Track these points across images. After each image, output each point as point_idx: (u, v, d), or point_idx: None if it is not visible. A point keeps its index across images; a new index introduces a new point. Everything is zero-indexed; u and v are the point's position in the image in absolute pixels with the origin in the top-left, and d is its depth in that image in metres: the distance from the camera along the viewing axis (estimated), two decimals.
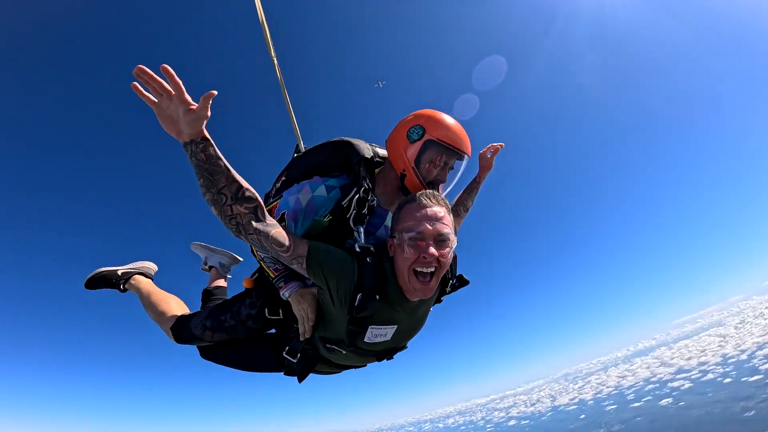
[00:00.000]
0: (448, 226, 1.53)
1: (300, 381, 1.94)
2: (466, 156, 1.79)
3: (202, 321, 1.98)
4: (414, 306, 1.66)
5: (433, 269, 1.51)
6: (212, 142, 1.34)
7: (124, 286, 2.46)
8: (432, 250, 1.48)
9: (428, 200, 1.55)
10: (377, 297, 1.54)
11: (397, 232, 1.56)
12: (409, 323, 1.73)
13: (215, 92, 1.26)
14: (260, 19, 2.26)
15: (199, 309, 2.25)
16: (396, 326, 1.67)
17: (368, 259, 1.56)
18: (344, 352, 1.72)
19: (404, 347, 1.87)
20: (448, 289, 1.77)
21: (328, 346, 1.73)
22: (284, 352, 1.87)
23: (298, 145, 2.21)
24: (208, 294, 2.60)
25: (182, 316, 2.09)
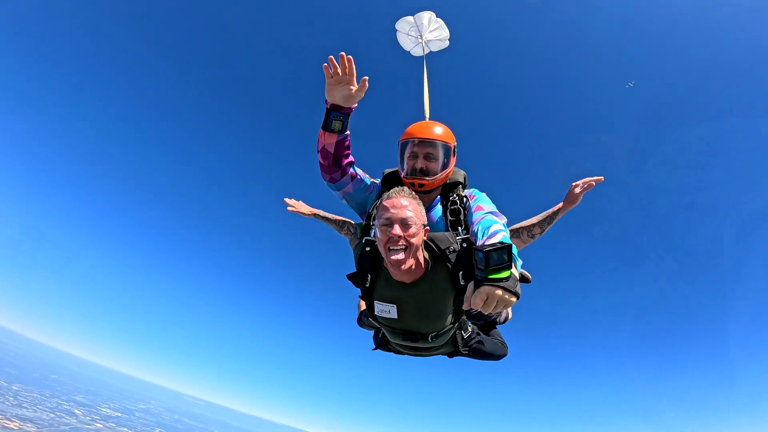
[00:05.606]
0: (410, 211, 1.88)
1: (373, 349, 2.64)
2: (426, 139, 2.26)
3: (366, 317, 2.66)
4: (408, 287, 1.97)
5: (403, 246, 1.84)
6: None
7: None
8: (397, 230, 1.82)
9: (395, 193, 1.95)
10: (368, 276, 2.06)
11: (374, 221, 1.97)
12: (411, 305, 2.00)
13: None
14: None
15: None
16: (395, 305, 2.01)
17: (367, 249, 2.06)
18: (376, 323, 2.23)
19: (429, 337, 2.11)
20: (462, 281, 1.91)
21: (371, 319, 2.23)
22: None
23: None
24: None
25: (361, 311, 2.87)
